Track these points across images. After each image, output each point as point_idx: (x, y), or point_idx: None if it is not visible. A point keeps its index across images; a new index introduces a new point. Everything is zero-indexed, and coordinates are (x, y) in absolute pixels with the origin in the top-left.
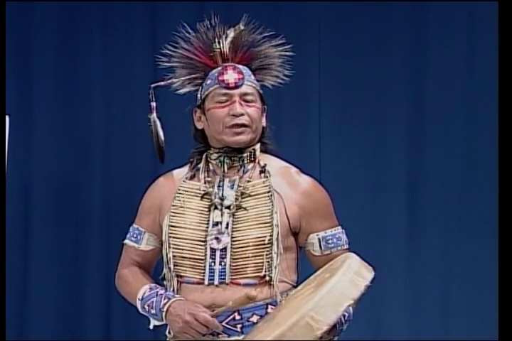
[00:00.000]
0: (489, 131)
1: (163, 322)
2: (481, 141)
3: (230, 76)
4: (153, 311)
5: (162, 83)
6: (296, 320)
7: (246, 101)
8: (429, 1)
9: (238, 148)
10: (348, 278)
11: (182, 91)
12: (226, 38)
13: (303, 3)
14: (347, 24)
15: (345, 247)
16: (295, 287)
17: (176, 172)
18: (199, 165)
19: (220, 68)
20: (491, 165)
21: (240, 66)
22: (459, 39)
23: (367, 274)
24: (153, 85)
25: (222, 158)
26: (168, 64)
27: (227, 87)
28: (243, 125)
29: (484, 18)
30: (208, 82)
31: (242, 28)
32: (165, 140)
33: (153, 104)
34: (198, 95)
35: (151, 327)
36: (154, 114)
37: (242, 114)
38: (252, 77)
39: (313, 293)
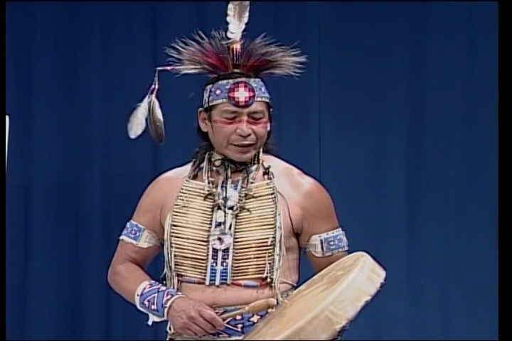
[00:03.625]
0: (489, 131)
1: (163, 319)
2: (480, 141)
3: (241, 94)
4: (153, 307)
5: (168, 68)
6: (315, 313)
7: (254, 118)
8: (429, 1)
9: None
10: (365, 275)
11: (189, 72)
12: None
13: (303, 3)
14: (347, 24)
15: (346, 249)
16: (295, 287)
17: (177, 170)
18: (202, 165)
19: (231, 83)
20: (491, 165)
21: (252, 81)
22: (459, 39)
23: (381, 272)
24: (158, 68)
25: (226, 163)
26: (177, 56)
27: (237, 106)
28: (249, 145)
29: (484, 18)
30: (217, 92)
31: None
32: (164, 121)
33: (156, 86)
34: (205, 97)
35: (150, 323)
36: (153, 95)
37: (249, 135)
38: (263, 88)
39: (329, 289)
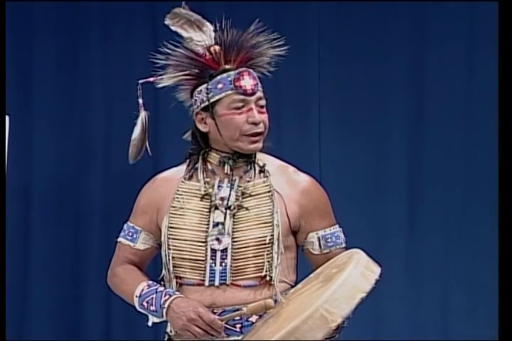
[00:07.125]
0: (489, 131)
1: (163, 319)
2: (481, 141)
3: (247, 82)
4: (152, 308)
5: (151, 79)
6: (310, 312)
7: (260, 106)
8: (429, 1)
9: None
10: (360, 272)
11: (170, 84)
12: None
13: (303, 3)
14: (347, 24)
15: (343, 246)
16: (293, 287)
17: (173, 171)
18: (197, 165)
19: (235, 73)
20: (491, 165)
21: (251, 71)
22: (459, 39)
23: (375, 268)
24: (141, 81)
25: (226, 160)
26: (164, 62)
27: (245, 94)
28: (261, 133)
29: (484, 18)
30: (219, 86)
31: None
32: (140, 139)
33: (141, 100)
34: (200, 97)
35: (150, 324)
36: (143, 112)
37: (260, 122)
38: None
39: (323, 287)
